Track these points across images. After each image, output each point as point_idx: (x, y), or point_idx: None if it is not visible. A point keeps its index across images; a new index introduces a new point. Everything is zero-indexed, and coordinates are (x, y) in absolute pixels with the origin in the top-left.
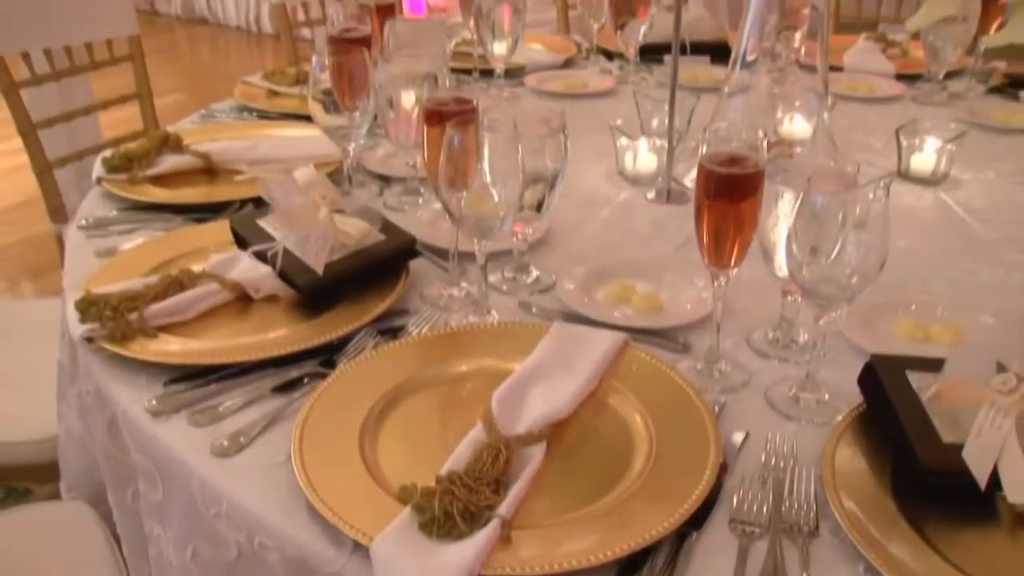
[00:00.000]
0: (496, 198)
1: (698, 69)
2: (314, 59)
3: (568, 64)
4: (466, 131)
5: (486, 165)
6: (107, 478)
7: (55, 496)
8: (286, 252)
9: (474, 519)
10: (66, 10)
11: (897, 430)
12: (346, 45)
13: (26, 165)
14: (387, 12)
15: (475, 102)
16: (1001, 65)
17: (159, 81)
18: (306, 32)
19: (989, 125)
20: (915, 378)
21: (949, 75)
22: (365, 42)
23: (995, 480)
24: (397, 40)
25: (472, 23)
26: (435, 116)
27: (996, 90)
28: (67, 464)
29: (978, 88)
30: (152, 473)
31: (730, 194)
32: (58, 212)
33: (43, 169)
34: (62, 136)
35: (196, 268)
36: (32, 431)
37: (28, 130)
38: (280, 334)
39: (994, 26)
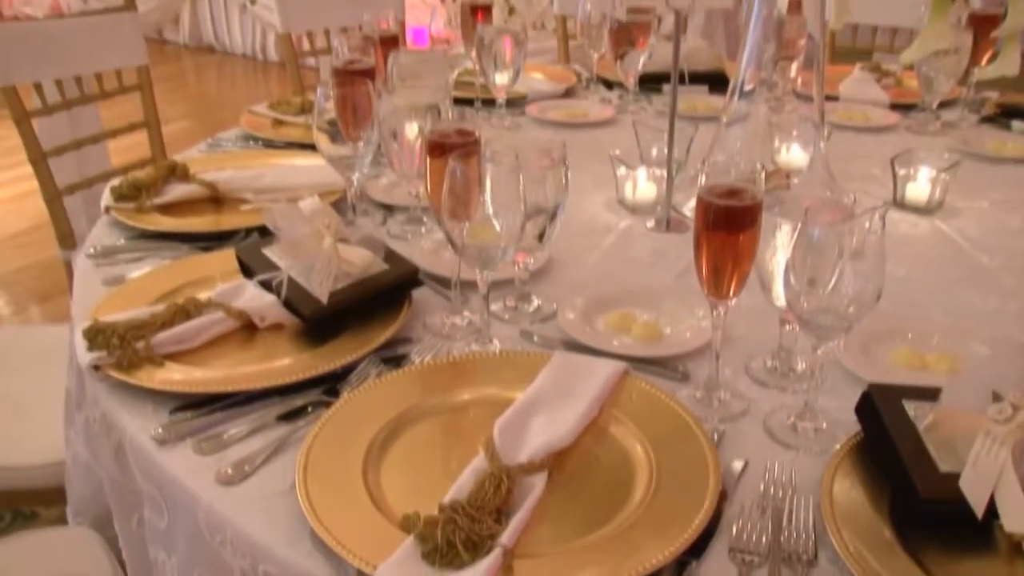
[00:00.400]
0: (498, 229)
1: (697, 98)
2: (319, 90)
3: (569, 93)
4: (468, 163)
5: (488, 196)
6: (113, 504)
7: (61, 519)
8: (291, 281)
9: (476, 548)
10: (77, 41)
11: (895, 459)
12: (350, 77)
13: (35, 191)
14: (391, 44)
15: (477, 134)
16: (993, 95)
17: (167, 108)
18: (311, 61)
19: (982, 154)
20: (912, 407)
21: (942, 105)
22: (369, 74)
23: (992, 509)
24: (401, 71)
25: (474, 54)
26: (438, 148)
27: (988, 120)
28: (74, 490)
29: (971, 118)
30: (157, 500)
31: (729, 226)
32: (67, 238)
33: (53, 197)
34: (71, 164)
35: (202, 296)
36: (39, 455)
37: (39, 158)
38: (285, 363)
39: (986, 57)
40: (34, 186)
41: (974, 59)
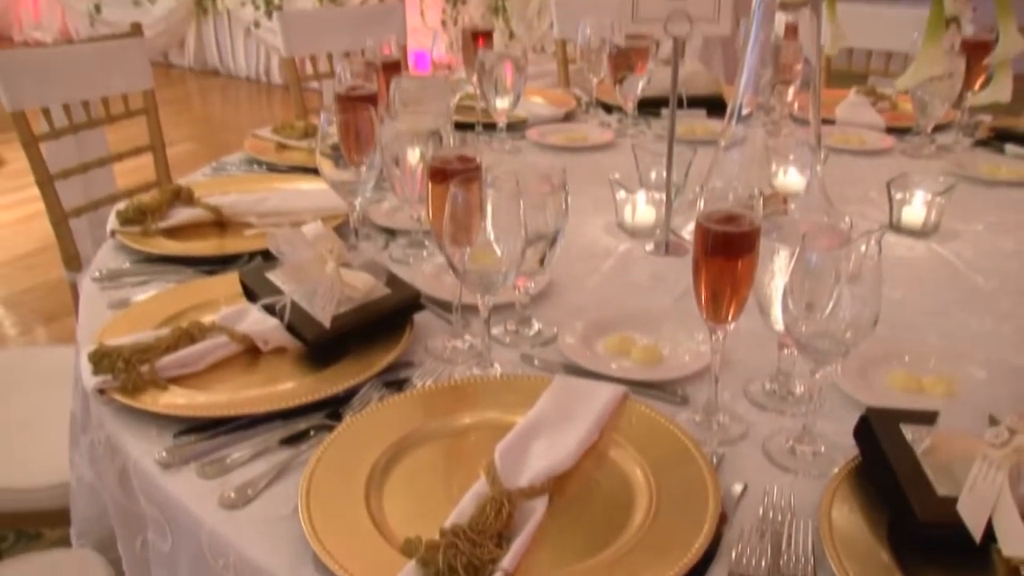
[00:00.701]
0: (499, 254)
1: (695, 122)
2: (322, 115)
3: (568, 117)
4: (469, 190)
5: (489, 222)
6: (117, 527)
7: (65, 541)
8: (294, 305)
9: (478, 573)
10: (85, 66)
11: (893, 483)
12: (353, 103)
13: (42, 213)
14: (393, 69)
15: (478, 160)
16: (987, 119)
17: (172, 131)
18: (315, 84)
19: (976, 178)
20: (910, 431)
21: (937, 128)
22: (372, 99)
23: (990, 533)
24: (403, 96)
25: (475, 79)
26: (439, 174)
27: (982, 143)
28: (78, 511)
29: (965, 141)
30: (161, 523)
31: (727, 252)
32: (73, 260)
33: (59, 220)
34: (78, 187)
35: (206, 320)
36: (44, 477)
37: (46, 181)
38: (287, 387)
39: (979, 82)
40: (41, 208)
41: (967, 83)
